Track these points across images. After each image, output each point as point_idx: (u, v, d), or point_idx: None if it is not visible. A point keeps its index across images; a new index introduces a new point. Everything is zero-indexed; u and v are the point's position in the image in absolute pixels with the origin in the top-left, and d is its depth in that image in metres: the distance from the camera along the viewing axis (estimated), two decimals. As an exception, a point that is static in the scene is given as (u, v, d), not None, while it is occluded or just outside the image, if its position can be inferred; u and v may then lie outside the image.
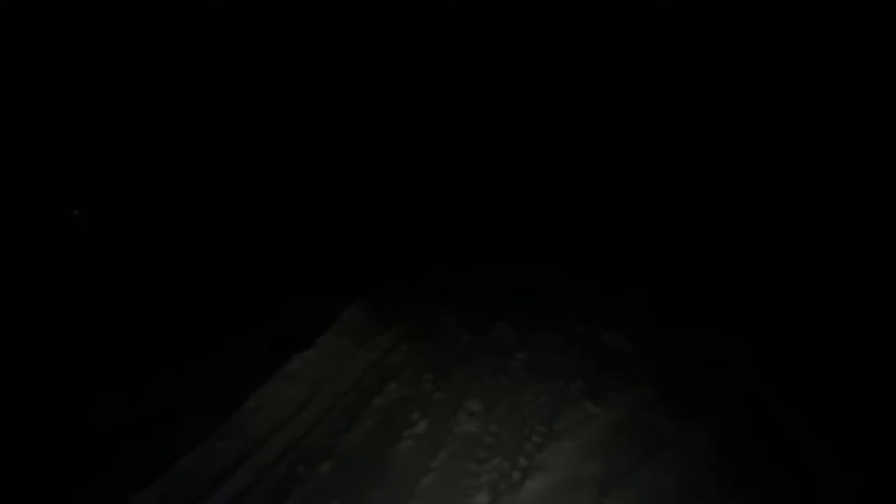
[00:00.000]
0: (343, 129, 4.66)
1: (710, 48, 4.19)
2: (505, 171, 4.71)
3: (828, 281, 3.51)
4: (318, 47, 4.56)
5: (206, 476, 2.64)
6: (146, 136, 4.00)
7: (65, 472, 2.55)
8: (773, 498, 2.49)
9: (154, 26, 3.88)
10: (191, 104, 4.15)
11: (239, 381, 3.17)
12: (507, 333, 3.62)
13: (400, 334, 3.63)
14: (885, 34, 3.70)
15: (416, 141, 4.67)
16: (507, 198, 4.70)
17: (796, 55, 4.05)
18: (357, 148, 4.69)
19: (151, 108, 3.99)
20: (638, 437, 2.76)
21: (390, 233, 4.54)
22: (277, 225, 4.36)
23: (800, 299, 3.45)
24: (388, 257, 4.38)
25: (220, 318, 3.47)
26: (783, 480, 2.56)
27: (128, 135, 3.94)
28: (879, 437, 2.66)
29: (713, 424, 2.80)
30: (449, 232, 4.57)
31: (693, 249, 4.03)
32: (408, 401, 3.09)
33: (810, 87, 4.02)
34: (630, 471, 2.59)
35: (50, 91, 3.62)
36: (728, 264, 3.85)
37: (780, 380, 3.04)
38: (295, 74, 4.53)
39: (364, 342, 3.55)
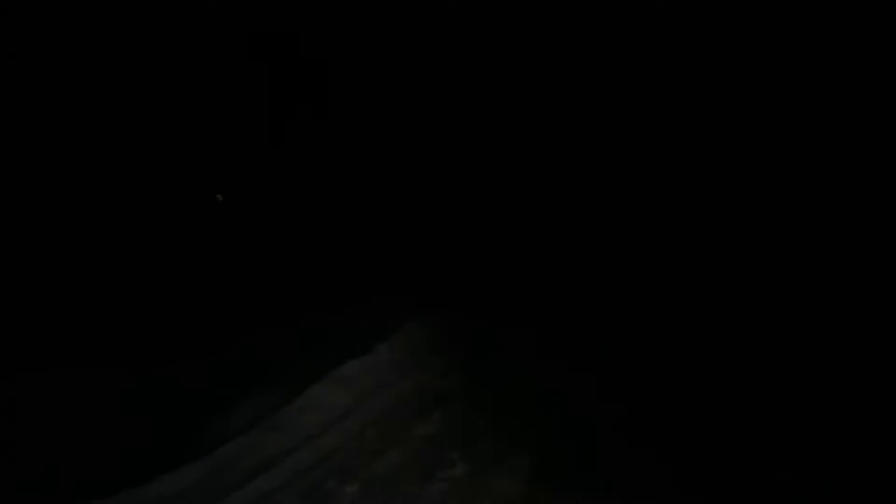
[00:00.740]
0: (355, 130, 4.50)
1: (710, 50, 3.85)
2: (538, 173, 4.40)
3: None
4: (319, 48, 4.40)
5: (238, 468, 2.68)
6: (154, 137, 3.97)
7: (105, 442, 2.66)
8: None
9: (154, 26, 3.84)
10: (193, 105, 4.12)
11: (292, 375, 3.20)
12: (577, 387, 3.41)
13: (457, 356, 3.52)
14: (885, 34, 3.38)
15: (441, 143, 4.43)
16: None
17: (798, 56, 3.68)
18: (385, 149, 4.52)
19: (153, 109, 3.96)
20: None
21: (466, 239, 4.34)
22: (347, 226, 4.32)
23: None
24: (459, 267, 4.22)
25: (280, 309, 3.51)
26: None
27: (132, 136, 3.92)
28: None
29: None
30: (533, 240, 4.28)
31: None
32: (450, 437, 2.99)
33: (812, 89, 3.65)
34: None
35: (47, 92, 3.64)
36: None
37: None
38: (295, 75, 4.45)
39: (421, 359, 3.47)
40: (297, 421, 2.99)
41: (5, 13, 3.41)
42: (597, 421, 3.02)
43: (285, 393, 3.09)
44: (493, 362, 3.52)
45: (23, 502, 2.45)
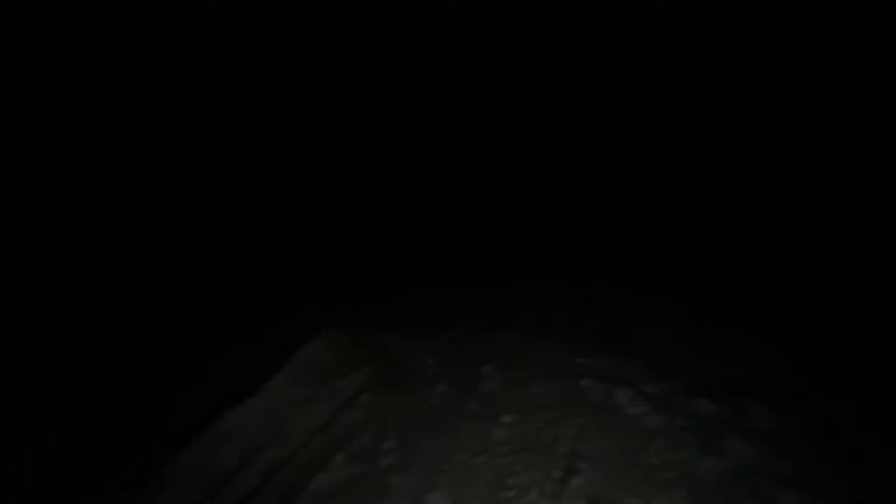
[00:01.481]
0: (333, 131, 4.35)
1: (710, 50, 3.94)
2: (500, 173, 4.30)
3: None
4: (318, 49, 4.30)
5: None
6: (141, 138, 3.66)
7: None
8: None
9: (154, 26, 3.61)
10: (190, 106, 3.86)
11: (156, 442, 2.58)
12: (494, 383, 2.96)
13: (365, 379, 3.00)
14: (885, 34, 3.49)
15: (407, 143, 4.33)
16: (498, 202, 4.21)
17: (798, 57, 3.78)
18: (346, 149, 4.33)
19: (150, 110, 3.68)
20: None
21: (364, 241, 3.99)
22: (226, 234, 3.79)
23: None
24: (361, 272, 3.79)
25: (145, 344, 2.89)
26: None
27: (123, 136, 3.60)
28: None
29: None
30: (436, 240, 4.02)
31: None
32: (358, 482, 2.46)
33: (812, 89, 3.74)
34: None
35: (47, 91, 3.32)
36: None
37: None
38: (294, 76, 4.30)
39: (321, 389, 2.92)
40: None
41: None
42: (519, 437, 2.57)
43: (145, 459, 2.48)
44: (406, 377, 3.02)
45: None
